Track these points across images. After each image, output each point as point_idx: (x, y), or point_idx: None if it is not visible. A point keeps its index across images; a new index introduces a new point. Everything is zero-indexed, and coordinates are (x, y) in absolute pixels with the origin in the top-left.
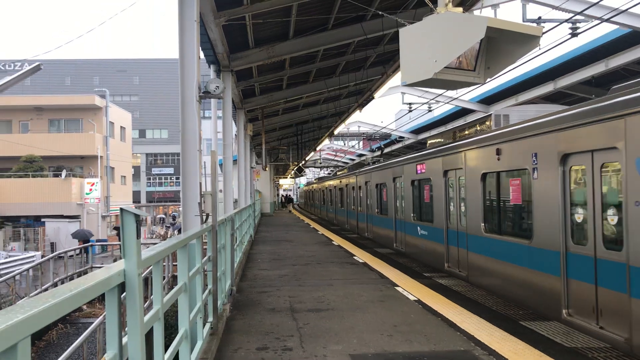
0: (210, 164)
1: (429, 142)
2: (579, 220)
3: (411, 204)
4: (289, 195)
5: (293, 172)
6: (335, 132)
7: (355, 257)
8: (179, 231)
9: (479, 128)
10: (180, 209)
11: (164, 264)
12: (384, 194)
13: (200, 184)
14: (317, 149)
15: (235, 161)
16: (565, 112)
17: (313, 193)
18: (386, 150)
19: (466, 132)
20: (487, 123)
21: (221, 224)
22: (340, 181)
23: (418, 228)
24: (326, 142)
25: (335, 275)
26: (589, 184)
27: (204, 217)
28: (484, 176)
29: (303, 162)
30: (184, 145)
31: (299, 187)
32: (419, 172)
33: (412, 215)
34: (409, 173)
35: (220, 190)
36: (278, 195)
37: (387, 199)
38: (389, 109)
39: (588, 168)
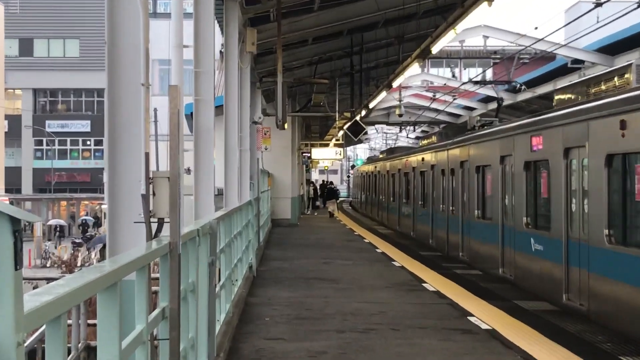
0: (168, 115)
1: (556, 97)
2: None
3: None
4: (331, 184)
5: (341, 133)
6: (434, 50)
7: (471, 319)
8: (102, 252)
9: (617, 83)
10: (104, 206)
11: (70, 320)
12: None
13: (147, 155)
14: (395, 84)
15: (218, 108)
16: None
17: (378, 178)
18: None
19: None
20: (627, 76)
21: (189, 242)
22: (422, 159)
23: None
24: (414, 70)
25: None
26: None
27: (153, 228)
28: None
29: (364, 111)
30: (112, 73)
31: (352, 168)
32: (535, 148)
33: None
34: (524, 148)
35: (189, 170)
36: (308, 183)
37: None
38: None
39: None
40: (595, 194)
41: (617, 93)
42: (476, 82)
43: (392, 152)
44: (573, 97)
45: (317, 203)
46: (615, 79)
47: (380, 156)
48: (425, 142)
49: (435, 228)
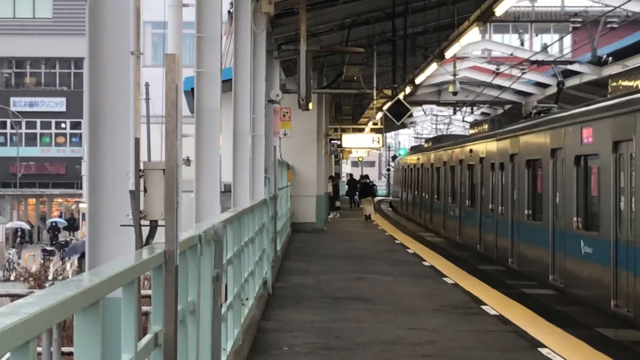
0: (163, 91)
1: (610, 84)
2: None
3: None
4: (365, 178)
5: (379, 116)
6: (498, 11)
7: (542, 350)
8: (80, 262)
9: None
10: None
11: (40, 348)
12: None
13: (137, 142)
14: (448, 54)
15: (226, 82)
16: None
17: (422, 173)
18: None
19: None
20: None
21: (188, 250)
22: (470, 150)
23: None
24: (472, 36)
25: None
26: None
27: (144, 233)
28: None
29: (408, 88)
30: (93, 38)
31: (393, 159)
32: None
33: None
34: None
35: (188, 161)
36: (338, 177)
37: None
38: None
39: None
40: None
41: None
42: (533, 62)
43: (438, 141)
44: (627, 84)
45: (337, 203)
46: None
47: (426, 145)
48: (475, 130)
49: (484, 231)
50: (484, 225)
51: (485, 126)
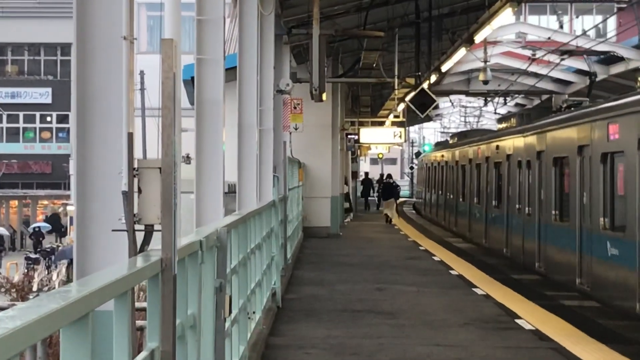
0: (160, 80)
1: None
2: None
3: None
4: (388, 178)
5: (401, 107)
6: None
7: None
8: (68, 271)
9: None
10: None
11: None
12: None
13: (131, 137)
14: (478, 38)
15: (230, 70)
16: None
17: (446, 171)
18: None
19: None
20: None
21: (188, 258)
22: (497, 146)
23: None
24: (505, 18)
25: None
26: None
27: (138, 239)
28: None
29: (434, 76)
30: (82, 21)
31: (417, 156)
32: None
33: None
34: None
35: (188, 158)
36: (355, 176)
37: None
38: None
39: None
40: None
41: None
42: (564, 52)
43: (464, 137)
44: None
45: (346, 205)
46: None
47: (451, 142)
48: (502, 125)
49: (511, 234)
50: (510, 227)
51: (514, 121)
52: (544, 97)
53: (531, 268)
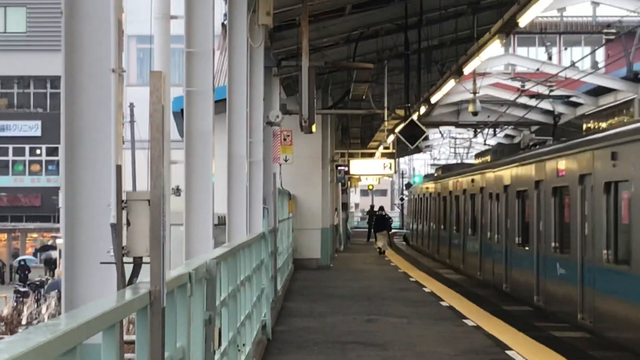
0: (149, 112)
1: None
2: None
3: None
4: (381, 210)
5: (391, 139)
6: (522, 21)
7: None
8: (59, 302)
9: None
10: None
11: None
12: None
13: (120, 169)
14: (467, 70)
15: (220, 102)
16: None
17: (438, 202)
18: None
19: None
20: (629, 111)
21: (177, 290)
22: (472, 180)
23: None
24: (494, 50)
25: None
26: None
27: (127, 271)
28: None
29: (423, 108)
30: (70, 54)
31: (407, 187)
32: None
33: None
34: None
35: (177, 190)
36: (345, 208)
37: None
38: None
39: None
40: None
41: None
42: (533, 96)
43: (447, 170)
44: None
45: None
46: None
47: (436, 175)
48: (479, 160)
49: (483, 258)
50: (509, 261)
51: (489, 157)
52: (534, 128)
53: (530, 302)
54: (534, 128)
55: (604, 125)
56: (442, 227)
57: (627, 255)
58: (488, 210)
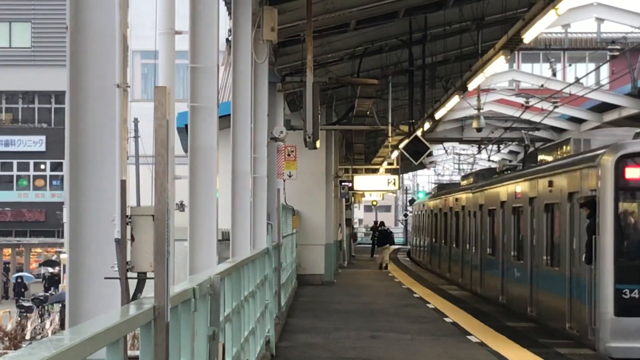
0: (153, 128)
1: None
2: None
3: None
4: (382, 225)
5: (395, 155)
6: (527, 38)
7: None
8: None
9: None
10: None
11: None
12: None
13: (124, 184)
14: (471, 86)
15: (224, 118)
16: None
17: (439, 218)
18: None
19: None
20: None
21: (181, 306)
22: (456, 199)
23: None
24: (498, 66)
25: None
26: None
27: (131, 286)
28: None
29: (427, 124)
30: (75, 69)
31: (411, 203)
32: None
33: None
34: None
35: (182, 206)
36: (349, 223)
37: None
38: None
39: None
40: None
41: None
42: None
43: (444, 189)
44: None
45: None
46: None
47: (433, 193)
48: (464, 182)
49: (482, 273)
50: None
51: (471, 179)
52: (538, 144)
53: (524, 315)
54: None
55: (549, 158)
56: (434, 241)
57: (558, 260)
58: (468, 226)
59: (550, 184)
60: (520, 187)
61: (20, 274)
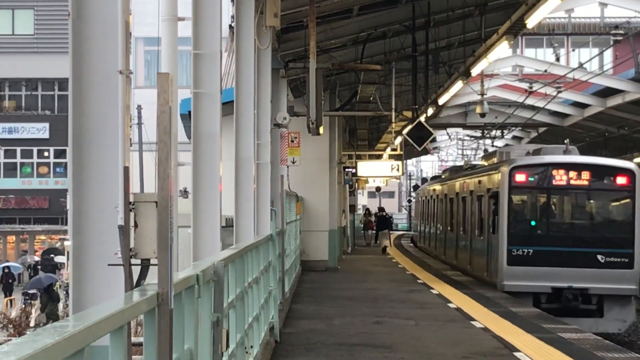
0: (156, 114)
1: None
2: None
3: None
4: (381, 211)
5: (398, 141)
6: (530, 23)
7: None
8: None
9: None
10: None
11: None
12: None
13: (127, 171)
14: (475, 71)
15: (227, 104)
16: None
17: (437, 204)
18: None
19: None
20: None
21: (185, 292)
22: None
23: None
24: (501, 51)
25: None
26: None
27: (134, 273)
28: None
29: (431, 109)
30: (78, 56)
31: (415, 189)
32: None
33: None
34: None
35: (185, 192)
36: (353, 210)
37: None
38: None
39: None
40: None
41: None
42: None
43: (436, 178)
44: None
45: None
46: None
47: (443, 176)
48: (446, 174)
49: (446, 244)
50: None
51: (447, 174)
52: (541, 129)
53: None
54: (541, 130)
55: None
56: (431, 225)
57: (481, 232)
58: (448, 210)
59: (480, 182)
60: (467, 182)
61: (7, 263)
